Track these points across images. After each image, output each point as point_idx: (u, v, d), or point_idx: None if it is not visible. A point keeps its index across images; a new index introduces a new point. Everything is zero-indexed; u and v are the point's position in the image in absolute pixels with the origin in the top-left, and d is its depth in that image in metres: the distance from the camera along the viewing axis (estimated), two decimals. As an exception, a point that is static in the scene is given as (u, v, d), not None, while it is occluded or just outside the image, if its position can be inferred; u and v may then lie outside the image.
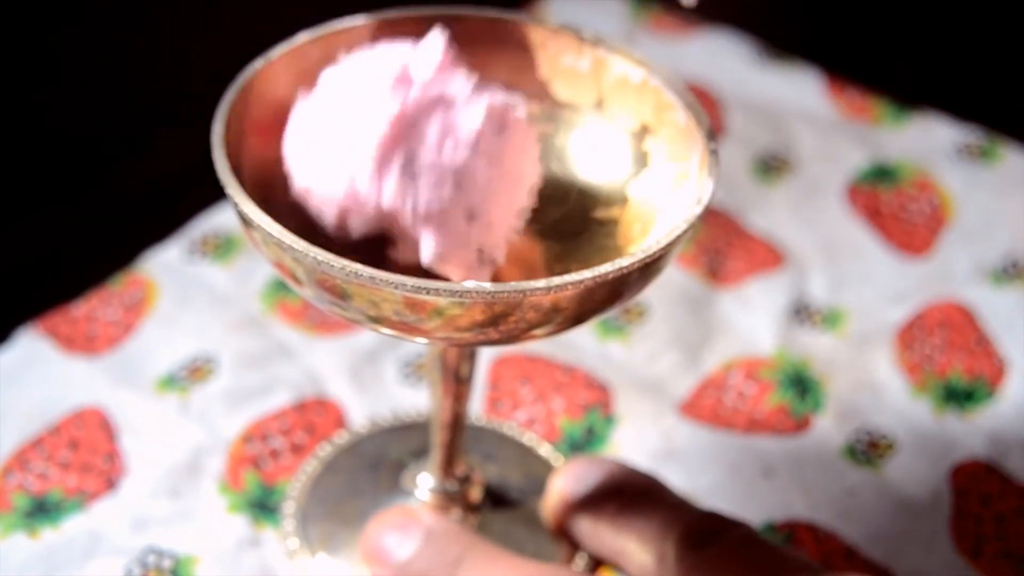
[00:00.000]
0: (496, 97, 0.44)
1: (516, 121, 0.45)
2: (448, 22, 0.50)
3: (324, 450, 0.58)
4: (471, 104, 0.44)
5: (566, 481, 0.53)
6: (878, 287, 0.67)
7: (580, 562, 0.55)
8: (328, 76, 0.45)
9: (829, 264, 0.68)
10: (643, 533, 0.50)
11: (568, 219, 0.49)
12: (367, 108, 0.43)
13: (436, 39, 0.45)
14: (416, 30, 0.49)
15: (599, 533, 0.52)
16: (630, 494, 0.52)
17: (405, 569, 0.50)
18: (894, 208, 0.72)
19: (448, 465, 0.54)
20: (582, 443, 0.59)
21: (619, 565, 0.52)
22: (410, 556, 0.50)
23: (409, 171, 0.43)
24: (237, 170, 0.44)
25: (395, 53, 0.45)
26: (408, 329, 0.42)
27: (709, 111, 0.47)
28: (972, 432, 0.60)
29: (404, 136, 0.43)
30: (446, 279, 0.45)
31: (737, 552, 0.48)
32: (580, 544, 0.54)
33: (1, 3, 0.76)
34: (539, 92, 0.51)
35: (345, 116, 0.43)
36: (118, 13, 0.80)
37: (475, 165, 0.44)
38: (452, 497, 0.55)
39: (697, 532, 0.49)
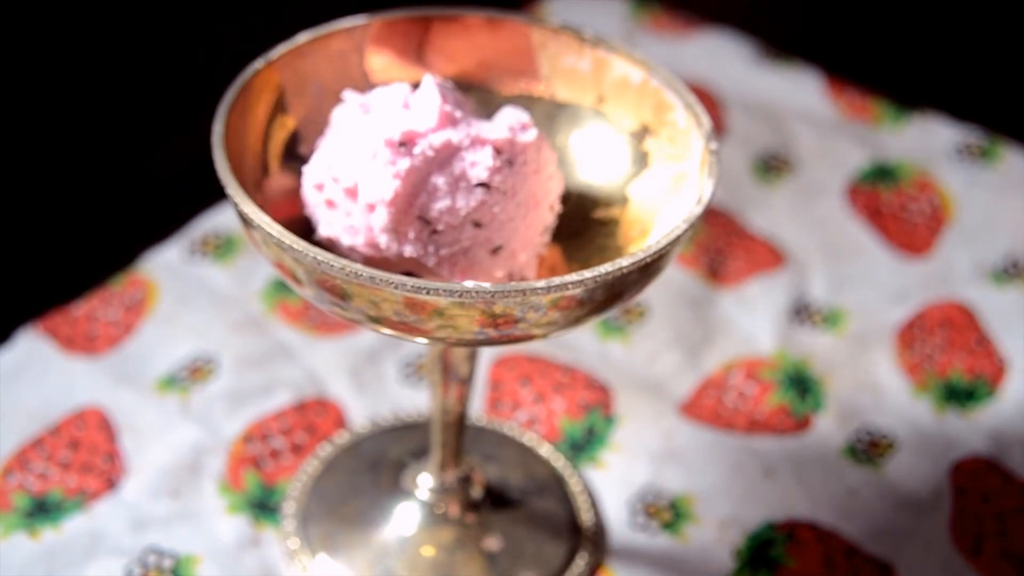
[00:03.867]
0: (500, 128, 0.45)
1: (526, 147, 0.45)
2: (448, 22, 0.50)
3: (324, 450, 0.58)
4: (476, 147, 0.44)
5: None
6: (878, 287, 0.67)
7: (580, 562, 0.55)
8: (338, 118, 0.46)
9: (829, 264, 0.68)
10: None
11: (568, 219, 0.49)
12: (378, 166, 0.44)
13: (431, 88, 0.45)
14: (416, 30, 0.50)
15: None
16: None
17: None
18: (894, 208, 0.72)
19: (448, 465, 0.54)
20: (582, 443, 0.59)
21: None
22: None
23: (425, 222, 0.44)
24: (237, 170, 0.44)
25: (397, 101, 0.45)
26: (408, 329, 0.42)
27: (709, 111, 0.47)
28: (972, 431, 0.60)
29: (416, 190, 0.44)
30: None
31: None
32: None
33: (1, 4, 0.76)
34: (539, 92, 0.51)
35: (359, 172, 0.44)
36: (118, 14, 0.80)
37: (491, 203, 0.44)
38: (452, 497, 0.55)
39: None
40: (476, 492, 0.56)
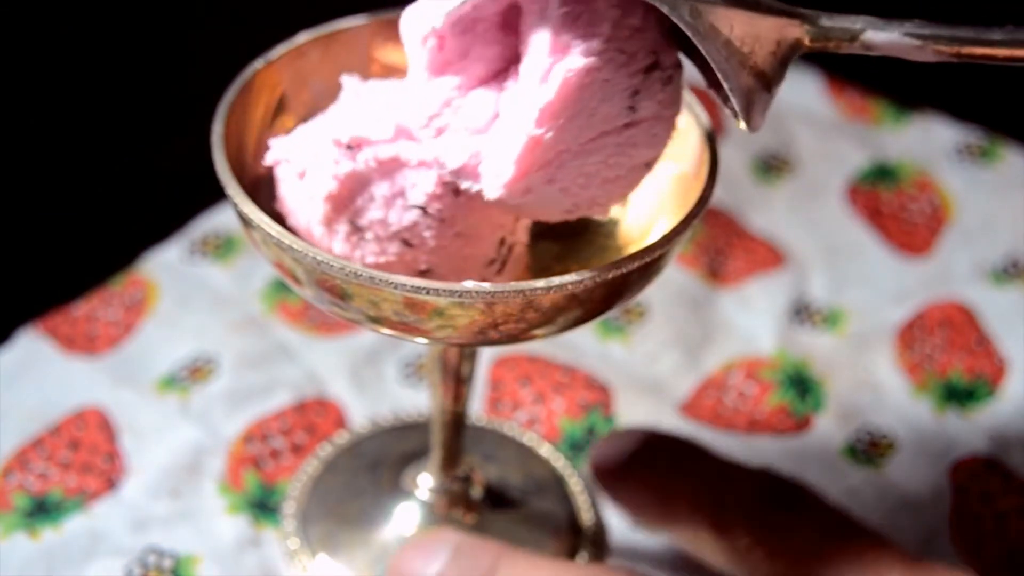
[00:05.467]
0: (460, 153, 0.42)
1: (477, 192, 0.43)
2: None
3: (324, 450, 0.58)
4: (422, 168, 0.42)
5: (601, 451, 0.53)
6: (878, 287, 0.67)
7: (580, 562, 0.55)
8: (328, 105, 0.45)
9: (829, 264, 0.68)
10: (698, 491, 0.49)
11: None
12: (323, 161, 0.43)
13: (394, 95, 0.44)
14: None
15: (645, 509, 0.51)
16: (673, 455, 0.51)
17: None
18: (894, 208, 0.72)
19: (448, 465, 0.54)
20: (583, 443, 0.59)
21: (669, 525, 0.51)
22: (439, 571, 0.48)
23: (357, 227, 0.43)
24: (237, 170, 0.44)
25: (381, 97, 0.44)
26: (408, 329, 0.42)
27: (709, 111, 0.47)
28: (973, 431, 0.60)
29: (353, 194, 0.43)
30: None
31: (818, 519, 0.47)
32: (629, 512, 0.54)
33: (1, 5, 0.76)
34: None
35: (308, 161, 0.43)
36: (118, 14, 0.80)
37: (424, 226, 0.43)
38: (452, 497, 0.55)
39: (767, 495, 0.48)
40: (476, 492, 0.56)
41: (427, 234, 0.43)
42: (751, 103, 0.40)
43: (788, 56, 0.41)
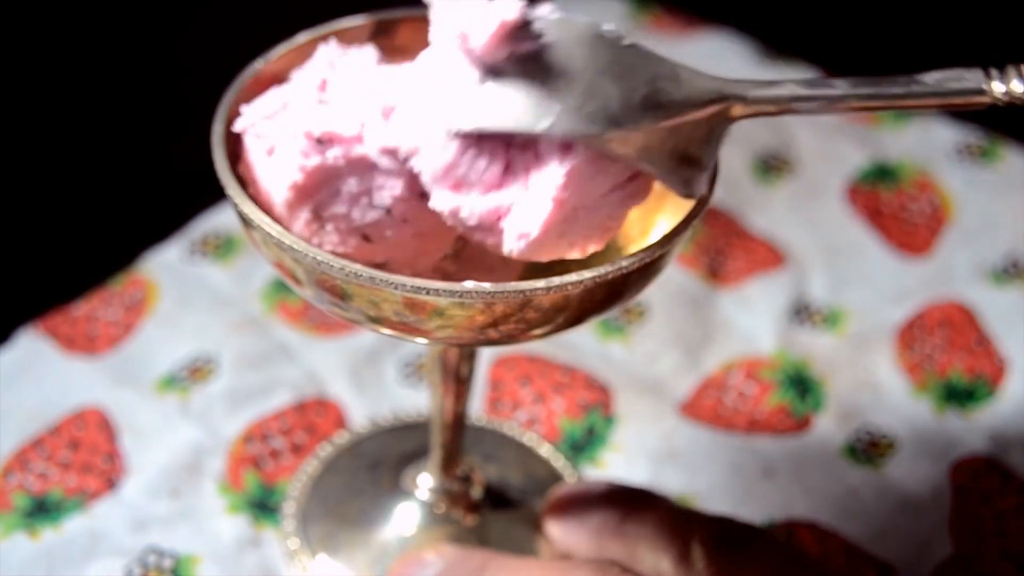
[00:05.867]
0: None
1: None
2: None
3: (324, 450, 0.58)
4: (392, 173, 0.43)
5: (558, 513, 0.54)
6: (878, 287, 0.67)
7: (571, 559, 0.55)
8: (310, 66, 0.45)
9: (829, 264, 0.68)
10: (655, 537, 0.50)
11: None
12: (291, 150, 0.43)
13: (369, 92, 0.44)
14: (416, 30, 0.49)
15: (604, 546, 0.52)
16: (628, 505, 0.52)
17: None
18: (894, 208, 0.72)
19: (448, 465, 0.54)
20: (582, 443, 0.59)
21: (625, 555, 0.52)
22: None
23: (319, 216, 0.43)
24: (237, 170, 0.44)
25: (353, 81, 0.44)
26: (408, 329, 0.42)
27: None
28: (973, 431, 0.60)
29: (319, 186, 0.43)
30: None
31: (772, 556, 0.48)
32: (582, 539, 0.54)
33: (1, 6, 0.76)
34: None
35: (278, 140, 0.43)
36: (118, 14, 0.80)
37: (385, 224, 0.43)
38: (452, 497, 0.55)
39: (726, 534, 0.49)
40: (476, 492, 0.56)
41: (388, 232, 0.43)
42: (690, 185, 0.43)
43: (721, 134, 0.44)
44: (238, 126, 0.44)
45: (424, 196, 0.42)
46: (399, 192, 0.43)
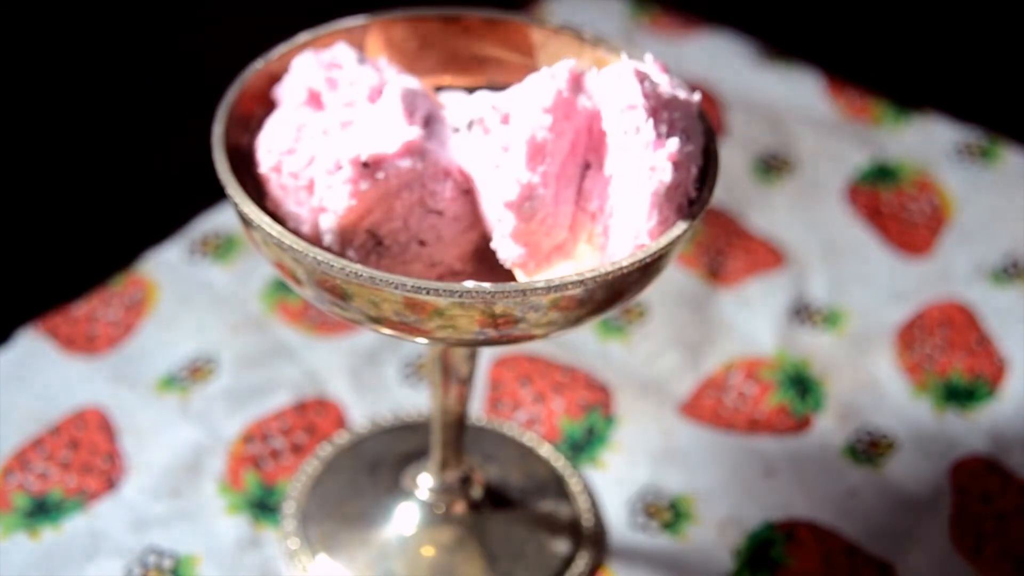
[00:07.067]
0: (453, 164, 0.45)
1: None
2: (448, 22, 0.50)
3: (324, 450, 0.58)
4: (439, 177, 0.44)
5: None
6: (878, 287, 0.67)
7: (580, 562, 0.55)
8: (297, 85, 0.46)
9: (829, 264, 0.68)
10: None
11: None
12: (339, 179, 0.44)
13: (397, 109, 0.45)
14: (416, 30, 0.49)
15: None
16: None
17: None
18: (894, 208, 0.72)
19: (448, 465, 0.54)
20: (582, 443, 0.59)
21: None
22: None
23: (374, 236, 0.44)
24: (237, 170, 0.44)
25: (361, 94, 0.45)
26: (408, 329, 0.42)
27: (709, 111, 0.47)
28: (972, 431, 0.60)
29: (372, 208, 0.44)
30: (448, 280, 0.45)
31: None
32: None
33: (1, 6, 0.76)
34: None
35: (318, 174, 0.44)
36: (118, 14, 0.80)
37: (440, 226, 0.45)
38: (452, 497, 0.55)
39: None
40: (476, 492, 0.56)
41: (443, 232, 0.45)
42: None
43: None
44: (264, 167, 0.45)
45: (468, 191, 0.45)
46: (450, 193, 0.44)
